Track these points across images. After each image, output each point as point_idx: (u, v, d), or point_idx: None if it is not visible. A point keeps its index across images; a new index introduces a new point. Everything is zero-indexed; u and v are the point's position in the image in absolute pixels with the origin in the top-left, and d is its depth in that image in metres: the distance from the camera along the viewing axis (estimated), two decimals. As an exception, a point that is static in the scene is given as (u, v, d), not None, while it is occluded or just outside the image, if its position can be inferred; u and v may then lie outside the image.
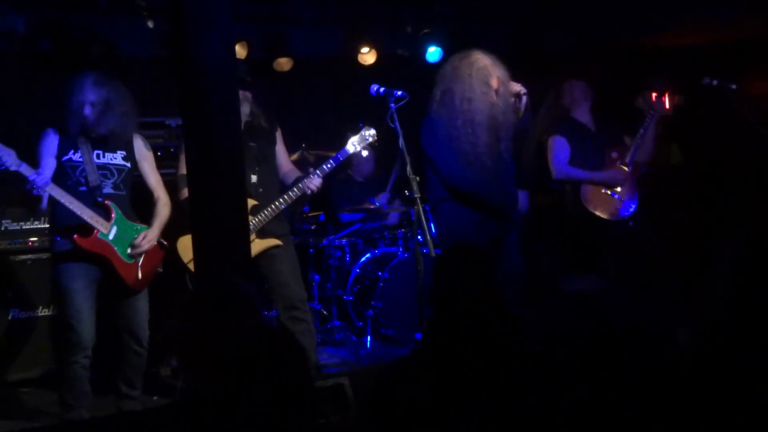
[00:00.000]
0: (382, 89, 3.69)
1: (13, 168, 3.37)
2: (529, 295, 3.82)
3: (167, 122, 5.00)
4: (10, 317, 4.26)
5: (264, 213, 3.96)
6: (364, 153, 4.21)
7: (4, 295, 4.26)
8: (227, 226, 3.02)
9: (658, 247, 4.62)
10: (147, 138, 4.03)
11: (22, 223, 4.40)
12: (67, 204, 3.49)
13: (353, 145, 4.19)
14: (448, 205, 3.77)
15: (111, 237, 3.61)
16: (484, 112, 3.65)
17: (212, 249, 3.00)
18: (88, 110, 3.58)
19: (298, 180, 4.08)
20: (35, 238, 4.41)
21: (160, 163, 4.14)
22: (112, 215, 3.63)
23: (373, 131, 4.18)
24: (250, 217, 3.89)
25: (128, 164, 3.75)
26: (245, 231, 3.20)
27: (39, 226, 4.43)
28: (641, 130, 4.54)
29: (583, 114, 4.67)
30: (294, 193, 4.03)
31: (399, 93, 3.66)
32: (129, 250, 3.66)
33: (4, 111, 4.95)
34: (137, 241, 3.68)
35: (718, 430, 1.97)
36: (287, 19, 5.72)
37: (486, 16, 5.97)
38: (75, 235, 3.53)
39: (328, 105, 6.15)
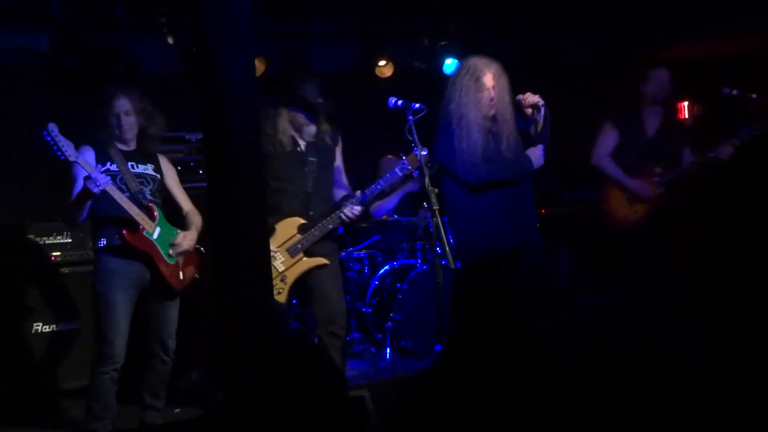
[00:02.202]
0: (400, 102, 3.71)
1: (72, 158, 3.46)
2: (546, 306, 3.82)
3: (187, 137, 5.07)
4: (33, 331, 4.30)
5: (313, 233, 3.92)
6: (416, 174, 4.09)
7: (27, 309, 4.31)
8: (248, 241, 3.04)
9: (665, 260, 4.52)
10: (167, 153, 4.12)
11: (45, 238, 4.46)
12: (117, 199, 3.56)
13: (405, 168, 3.96)
14: (463, 215, 3.81)
15: (155, 236, 3.70)
16: (478, 109, 3.75)
17: (233, 264, 3.02)
18: (126, 119, 3.71)
19: (338, 205, 3.98)
20: (58, 253, 4.47)
21: (181, 178, 4.20)
22: (155, 215, 3.72)
23: (426, 152, 3.78)
24: (299, 236, 3.90)
25: (158, 176, 3.86)
26: (265, 245, 3.22)
27: (61, 240, 4.48)
28: (689, 163, 4.45)
29: (652, 113, 4.55)
30: (332, 220, 3.93)
31: (417, 105, 3.67)
32: (170, 251, 3.75)
33: (28, 126, 5.03)
34: (178, 240, 3.77)
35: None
36: (305, 34, 5.77)
37: (503, 29, 5.99)
38: (124, 230, 3.61)
39: (345, 119, 6.18)
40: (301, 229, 3.93)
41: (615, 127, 4.54)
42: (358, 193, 3.96)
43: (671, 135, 4.54)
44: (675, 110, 4.68)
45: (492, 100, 3.77)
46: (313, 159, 3.98)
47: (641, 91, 4.56)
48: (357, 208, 3.93)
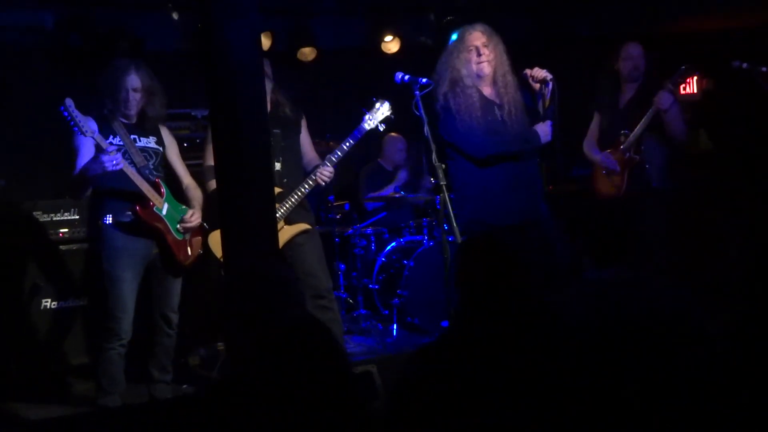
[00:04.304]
0: (406, 77, 3.68)
1: (88, 134, 3.48)
2: (554, 282, 3.80)
3: (193, 113, 5.06)
4: (42, 307, 4.33)
5: (290, 200, 3.96)
6: (381, 128, 4.12)
7: (37, 286, 4.33)
8: (256, 216, 3.04)
9: (660, 236, 4.42)
10: (173, 129, 4.14)
11: (53, 215, 4.46)
12: (131, 176, 3.59)
13: (369, 121, 4.06)
14: (470, 191, 3.79)
15: (164, 212, 3.72)
16: (468, 68, 3.74)
17: (241, 239, 3.03)
18: (133, 95, 3.71)
19: (313, 170, 4.03)
20: (65, 229, 4.47)
21: (187, 155, 4.21)
22: (163, 191, 3.74)
23: (387, 104, 4.06)
24: (277, 205, 3.91)
25: (161, 149, 3.87)
26: (273, 221, 3.22)
27: (69, 217, 4.48)
28: (642, 120, 4.33)
29: (629, 88, 4.48)
30: (309, 185, 3.98)
31: (424, 80, 3.64)
32: (179, 227, 3.77)
33: (33, 105, 5.04)
34: (186, 217, 3.80)
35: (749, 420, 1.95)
36: (311, 10, 5.73)
37: (510, 3, 5.94)
38: (137, 207, 3.62)
39: (351, 95, 6.16)
40: (279, 198, 3.94)
41: (597, 113, 4.58)
42: (330, 155, 4.01)
43: (641, 101, 4.42)
44: (656, 83, 4.45)
45: (480, 56, 3.75)
46: (277, 131, 3.98)
47: (617, 69, 4.49)
48: (328, 169, 3.96)
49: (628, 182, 4.38)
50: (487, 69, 3.77)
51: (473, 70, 3.76)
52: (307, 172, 4.10)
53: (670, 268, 4.40)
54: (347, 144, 4.01)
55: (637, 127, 4.32)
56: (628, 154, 4.36)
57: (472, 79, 3.77)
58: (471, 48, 3.77)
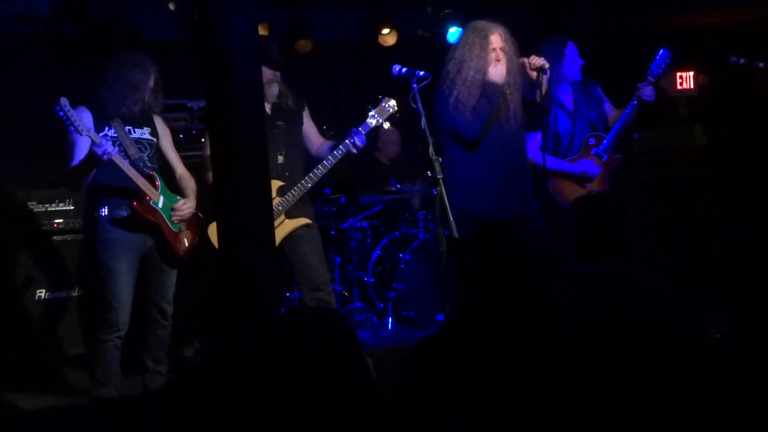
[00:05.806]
0: (404, 69, 3.66)
1: (84, 133, 3.46)
2: (545, 278, 3.80)
3: (189, 104, 5.04)
4: (37, 298, 4.32)
5: (292, 193, 3.95)
6: (386, 125, 4.12)
7: (31, 276, 4.32)
8: (251, 208, 3.04)
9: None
10: (169, 120, 4.11)
11: (48, 205, 4.45)
12: (125, 170, 3.57)
13: (374, 117, 4.05)
14: (459, 183, 3.77)
15: (160, 205, 3.72)
16: (480, 67, 3.69)
17: (236, 232, 3.03)
18: (144, 92, 3.70)
19: (337, 144, 3.98)
20: (60, 220, 4.46)
21: (183, 146, 4.19)
22: (157, 183, 3.72)
23: (393, 102, 4.05)
24: (279, 198, 3.91)
25: (155, 139, 3.85)
26: (269, 213, 3.22)
27: (64, 207, 4.47)
28: (621, 117, 4.16)
29: (564, 87, 4.24)
30: (335, 157, 3.93)
31: (421, 73, 3.62)
32: (172, 217, 3.76)
33: (28, 94, 5.01)
34: (179, 205, 3.78)
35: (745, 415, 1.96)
36: (309, 2, 5.71)
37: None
38: (134, 202, 3.61)
39: (348, 87, 6.15)
40: (280, 191, 3.94)
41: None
42: (336, 151, 3.98)
43: (589, 100, 4.28)
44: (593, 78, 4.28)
45: (499, 60, 3.71)
46: (281, 123, 3.99)
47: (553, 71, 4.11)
48: (362, 138, 3.96)
49: (610, 182, 4.22)
50: (501, 74, 3.71)
51: (489, 72, 3.70)
52: (322, 157, 4.04)
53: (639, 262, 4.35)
54: (351, 140, 3.99)
55: (617, 125, 4.15)
56: (606, 156, 4.16)
57: (477, 75, 3.70)
58: (492, 50, 3.70)
